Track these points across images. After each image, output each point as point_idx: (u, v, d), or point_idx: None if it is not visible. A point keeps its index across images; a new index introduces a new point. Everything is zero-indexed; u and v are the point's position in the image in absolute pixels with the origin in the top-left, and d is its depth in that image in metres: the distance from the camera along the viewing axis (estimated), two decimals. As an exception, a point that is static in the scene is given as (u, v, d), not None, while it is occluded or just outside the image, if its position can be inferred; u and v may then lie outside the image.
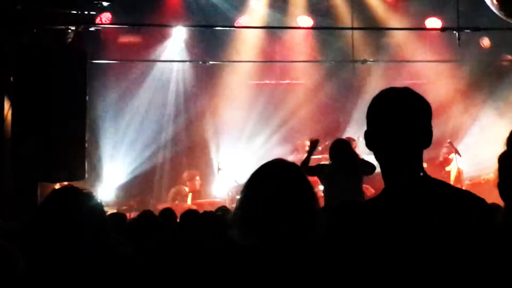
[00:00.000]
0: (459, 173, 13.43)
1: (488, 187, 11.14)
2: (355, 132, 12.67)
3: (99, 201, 3.05)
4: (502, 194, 3.58)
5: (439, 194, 2.62)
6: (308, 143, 13.67)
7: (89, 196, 2.96)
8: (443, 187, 2.68)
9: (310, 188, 2.89)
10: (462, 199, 2.61)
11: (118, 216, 7.55)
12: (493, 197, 3.62)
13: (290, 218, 2.74)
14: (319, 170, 9.20)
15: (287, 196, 2.77)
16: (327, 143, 10.62)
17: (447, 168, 13.59)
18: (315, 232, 2.80)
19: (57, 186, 10.07)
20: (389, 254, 2.56)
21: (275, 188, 2.79)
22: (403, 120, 2.64)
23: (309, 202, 2.84)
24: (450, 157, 13.55)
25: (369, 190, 11.17)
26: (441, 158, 13.65)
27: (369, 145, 2.75)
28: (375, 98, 2.74)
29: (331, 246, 2.74)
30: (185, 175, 13.67)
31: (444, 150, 13.63)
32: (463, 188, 12.42)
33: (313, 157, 9.46)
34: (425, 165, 2.74)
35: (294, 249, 2.74)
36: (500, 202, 3.30)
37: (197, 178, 13.70)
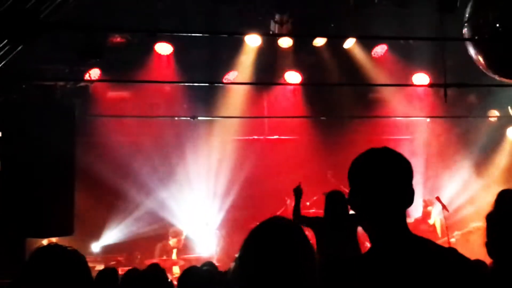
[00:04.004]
0: (443, 226, 13.48)
1: (478, 235, 11.24)
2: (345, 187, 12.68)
3: (83, 259, 3.01)
4: (489, 252, 3.61)
5: (423, 253, 2.62)
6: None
7: (72, 255, 2.93)
8: (427, 245, 2.69)
9: (308, 245, 2.87)
10: (446, 258, 2.61)
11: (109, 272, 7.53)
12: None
13: (290, 276, 2.72)
14: (311, 222, 9.15)
15: (286, 254, 2.74)
16: (315, 198, 10.58)
17: (430, 221, 13.61)
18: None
19: (45, 241, 10.01)
20: None
21: (274, 246, 2.76)
22: (384, 181, 2.66)
23: (309, 259, 2.82)
24: (428, 209, 13.60)
25: None
26: (420, 213, 13.68)
27: (352, 205, 2.76)
28: (356, 160, 2.76)
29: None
30: (170, 230, 13.61)
31: (422, 203, 13.71)
32: (451, 239, 12.55)
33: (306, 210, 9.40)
34: (410, 220, 2.77)
35: None
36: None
37: (182, 236, 13.61)
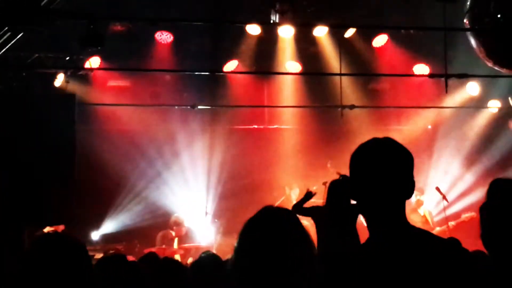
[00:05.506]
0: (430, 215, 13.47)
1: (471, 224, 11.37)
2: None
3: (83, 247, 3.02)
4: (485, 245, 3.62)
5: (422, 245, 2.62)
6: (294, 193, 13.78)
7: (73, 243, 2.93)
8: (426, 237, 2.69)
9: (305, 234, 2.84)
10: (444, 250, 2.61)
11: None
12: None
13: (287, 267, 2.71)
14: (312, 212, 9.13)
15: (283, 245, 2.73)
16: (315, 187, 10.54)
17: (421, 212, 13.50)
18: (314, 279, 2.77)
19: (46, 230, 10.03)
20: None
21: (270, 236, 2.73)
22: (385, 172, 2.66)
23: (306, 249, 2.80)
24: (421, 198, 13.50)
25: None
26: (413, 202, 13.58)
27: (352, 194, 2.76)
28: (357, 149, 2.76)
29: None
30: (172, 220, 13.58)
31: (415, 193, 13.57)
32: (439, 228, 12.54)
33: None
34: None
35: None
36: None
37: (184, 224, 13.60)
